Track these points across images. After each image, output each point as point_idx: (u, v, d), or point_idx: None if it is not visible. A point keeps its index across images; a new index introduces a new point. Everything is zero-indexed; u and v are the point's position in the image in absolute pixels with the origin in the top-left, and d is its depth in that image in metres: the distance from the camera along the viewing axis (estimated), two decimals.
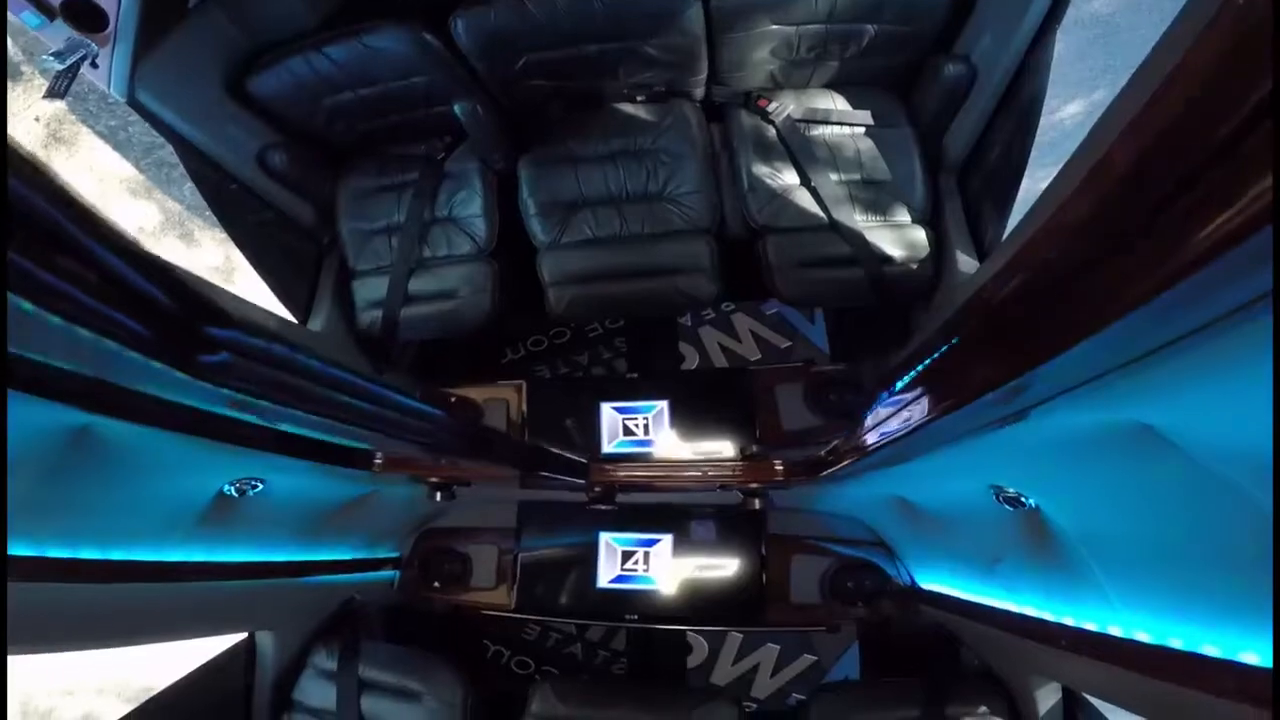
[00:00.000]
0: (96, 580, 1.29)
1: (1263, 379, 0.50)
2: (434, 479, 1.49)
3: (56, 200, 0.42)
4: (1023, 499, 1.15)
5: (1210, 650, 0.84)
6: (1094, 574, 1.08)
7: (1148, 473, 0.80)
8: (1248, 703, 0.77)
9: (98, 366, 0.69)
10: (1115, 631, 1.06)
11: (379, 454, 1.41)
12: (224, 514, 1.47)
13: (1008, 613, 1.44)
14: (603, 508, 1.82)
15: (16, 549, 1.14)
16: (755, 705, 2.44)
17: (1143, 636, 0.98)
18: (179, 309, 0.57)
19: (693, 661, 2.37)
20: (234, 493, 1.44)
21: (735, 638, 2.37)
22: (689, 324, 2.39)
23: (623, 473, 1.78)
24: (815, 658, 2.33)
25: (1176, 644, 0.90)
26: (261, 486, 1.46)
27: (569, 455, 1.78)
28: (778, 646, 2.37)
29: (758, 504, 1.80)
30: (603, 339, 2.42)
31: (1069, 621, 1.21)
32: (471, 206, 1.99)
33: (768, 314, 2.41)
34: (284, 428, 0.93)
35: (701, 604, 2.11)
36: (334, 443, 1.31)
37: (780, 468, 1.64)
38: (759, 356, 2.37)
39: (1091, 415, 0.79)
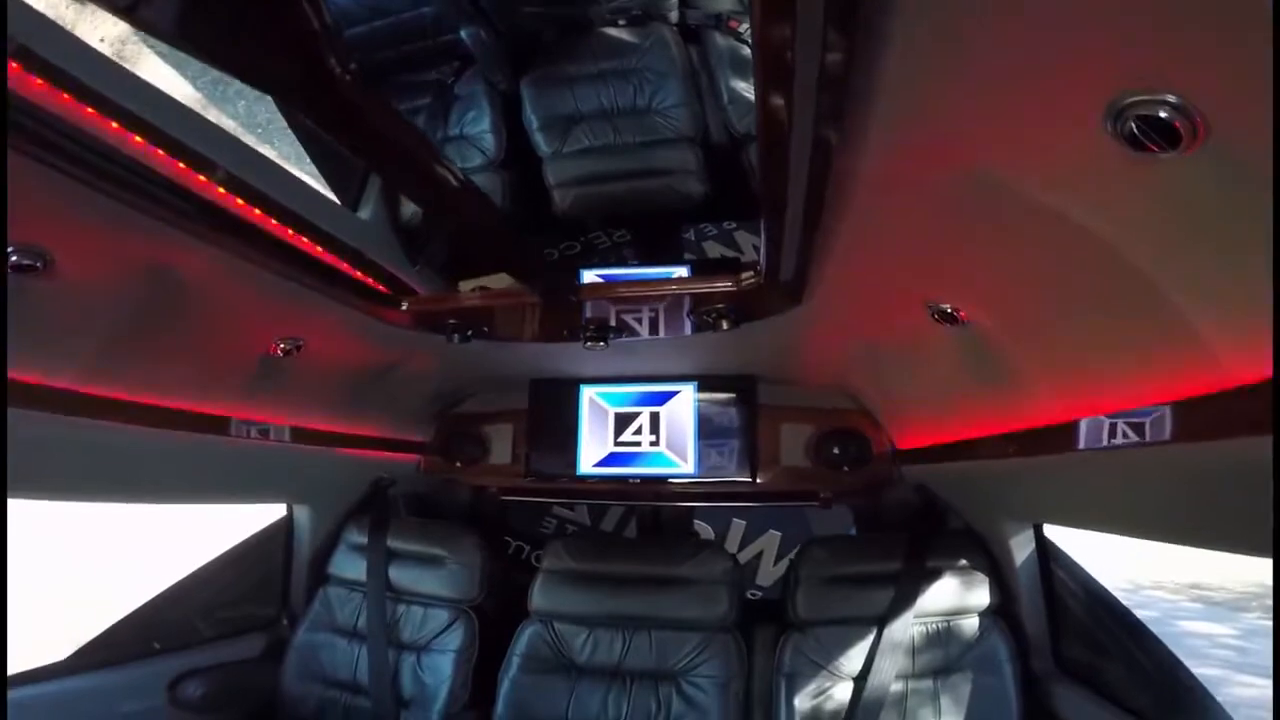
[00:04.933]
0: (155, 425, 1.46)
1: None
2: (453, 320, 1.68)
3: None
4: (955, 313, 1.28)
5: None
6: (1029, 374, 1.25)
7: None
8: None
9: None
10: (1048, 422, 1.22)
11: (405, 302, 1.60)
12: (268, 373, 1.65)
13: (969, 441, 1.64)
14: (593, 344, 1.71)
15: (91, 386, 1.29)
16: (760, 593, 2.64)
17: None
18: None
19: None
20: (279, 352, 1.63)
21: (739, 524, 2.58)
22: (692, 238, 2.62)
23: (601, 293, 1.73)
24: None
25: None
26: (302, 348, 1.65)
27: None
28: (779, 533, 2.58)
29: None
30: (611, 250, 2.64)
31: (1016, 428, 1.37)
32: (480, 124, 2.22)
33: None
34: None
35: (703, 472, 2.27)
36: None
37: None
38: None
39: None
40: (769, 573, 2.64)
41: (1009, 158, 0.86)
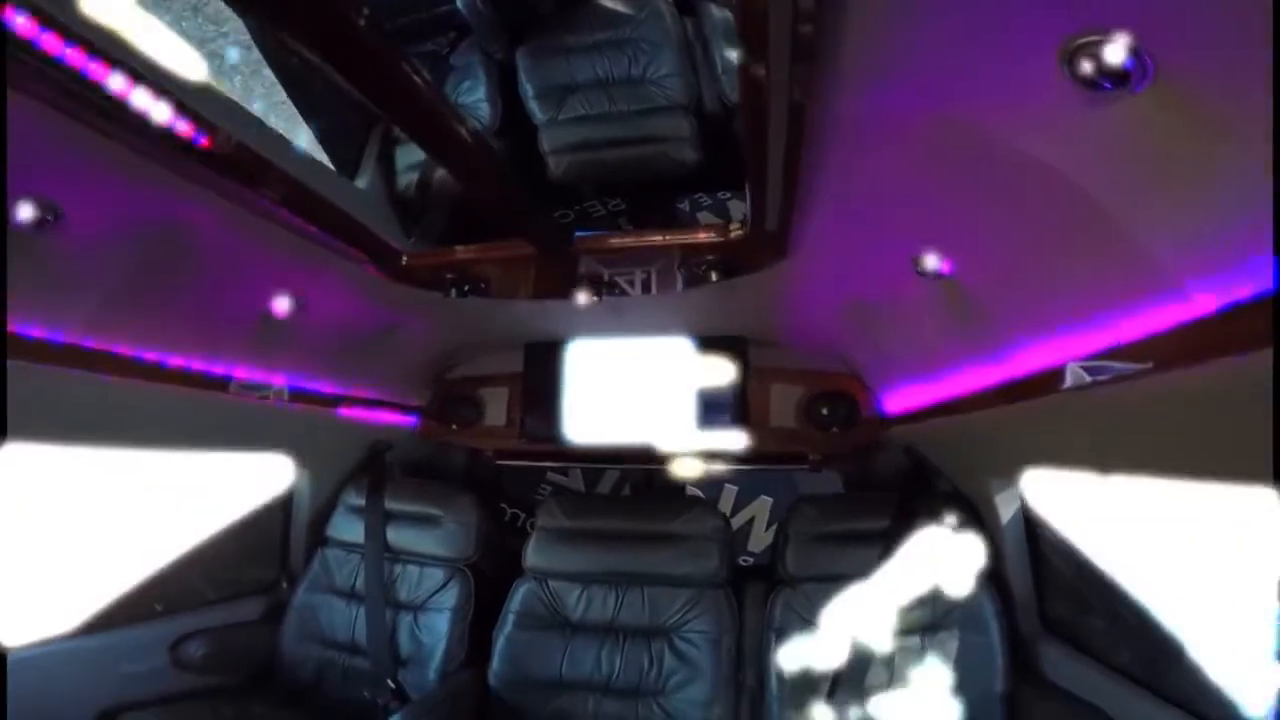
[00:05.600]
0: (160, 381, 1.49)
1: None
2: (451, 275, 1.70)
3: None
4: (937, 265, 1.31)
5: None
6: (1009, 323, 1.29)
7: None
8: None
9: None
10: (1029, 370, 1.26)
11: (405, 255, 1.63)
12: (269, 332, 1.68)
13: (954, 399, 1.68)
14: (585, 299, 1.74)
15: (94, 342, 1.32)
16: (751, 559, 2.68)
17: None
18: None
19: None
20: (280, 311, 1.66)
21: (731, 489, 2.62)
22: (686, 208, 2.65)
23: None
24: None
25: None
26: (303, 306, 1.68)
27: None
28: (770, 499, 2.62)
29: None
30: (606, 219, 2.66)
31: (1000, 380, 1.40)
32: (476, 93, 2.24)
33: None
34: None
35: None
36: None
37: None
38: None
39: None
40: (760, 539, 2.67)
41: (975, 104, 0.90)
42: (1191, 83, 0.67)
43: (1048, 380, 1.21)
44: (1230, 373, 0.80)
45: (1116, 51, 0.67)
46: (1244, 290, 0.77)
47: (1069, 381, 1.16)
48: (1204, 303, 0.86)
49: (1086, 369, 1.12)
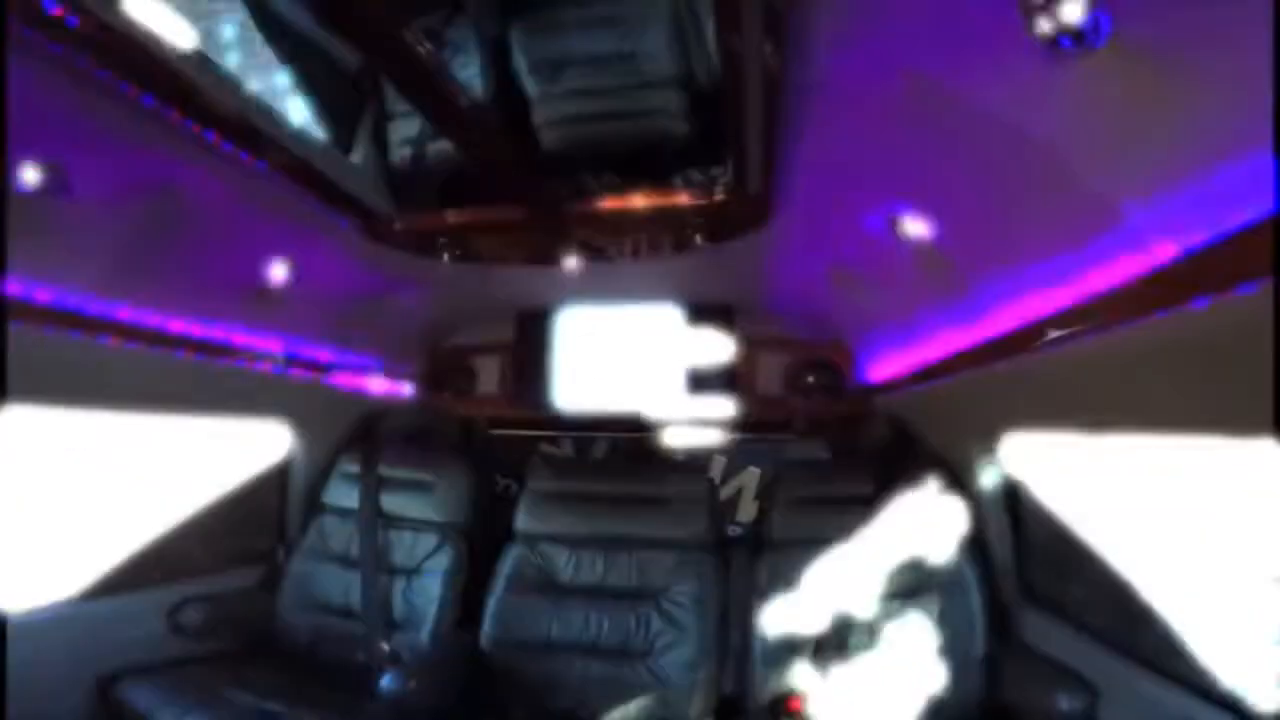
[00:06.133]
0: (161, 345, 1.52)
1: None
2: (443, 239, 1.74)
3: None
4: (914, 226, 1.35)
5: None
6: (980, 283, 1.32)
7: None
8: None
9: None
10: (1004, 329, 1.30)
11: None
12: (266, 299, 1.72)
13: (935, 363, 1.71)
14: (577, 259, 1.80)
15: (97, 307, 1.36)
16: (740, 528, 2.72)
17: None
18: None
19: None
20: (277, 277, 1.69)
21: (720, 460, 2.65)
22: (679, 184, 2.67)
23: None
24: None
25: None
26: (299, 273, 1.71)
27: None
28: (759, 470, 2.65)
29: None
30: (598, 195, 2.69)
31: (977, 341, 1.45)
32: (470, 69, 2.26)
33: None
34: None
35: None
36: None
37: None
38: None
39: None
40: (749, 509, 2.71)
41: (941, 64, 0.94)
42: (1147, 40, 0.70)
43: (1022, 339, 1.25)
44: (1196, 321, 0.83)
45: (1074, 9, 0.71)
46: (1200, 237, 0.80)
47: (1042, 339, 1.20)
48: (1164, 252, 0.89)
49: (1056, 325, 1.15)
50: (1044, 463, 1.75)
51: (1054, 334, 1.16)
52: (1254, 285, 0.71)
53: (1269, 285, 0.69)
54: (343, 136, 2.25)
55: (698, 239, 1.61)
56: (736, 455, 2.66)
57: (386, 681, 1.68)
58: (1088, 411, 1.31)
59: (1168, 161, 0.80)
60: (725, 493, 2.68)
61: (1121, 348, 1.05)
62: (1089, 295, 1.05)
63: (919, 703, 1.77)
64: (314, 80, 2.19)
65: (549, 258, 1.81)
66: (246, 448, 2.27)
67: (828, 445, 2.59)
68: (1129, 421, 1.19)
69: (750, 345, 2.33)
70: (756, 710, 1.81)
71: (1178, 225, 0.84)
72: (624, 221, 1.66)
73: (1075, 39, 0.74)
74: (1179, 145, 0.77)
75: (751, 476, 2.65)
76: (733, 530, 2.67)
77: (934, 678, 1.79)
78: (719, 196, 1.47)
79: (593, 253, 1.76)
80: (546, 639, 1.93)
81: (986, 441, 1.84)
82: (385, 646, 1.99)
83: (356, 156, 2.22)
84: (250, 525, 2.28)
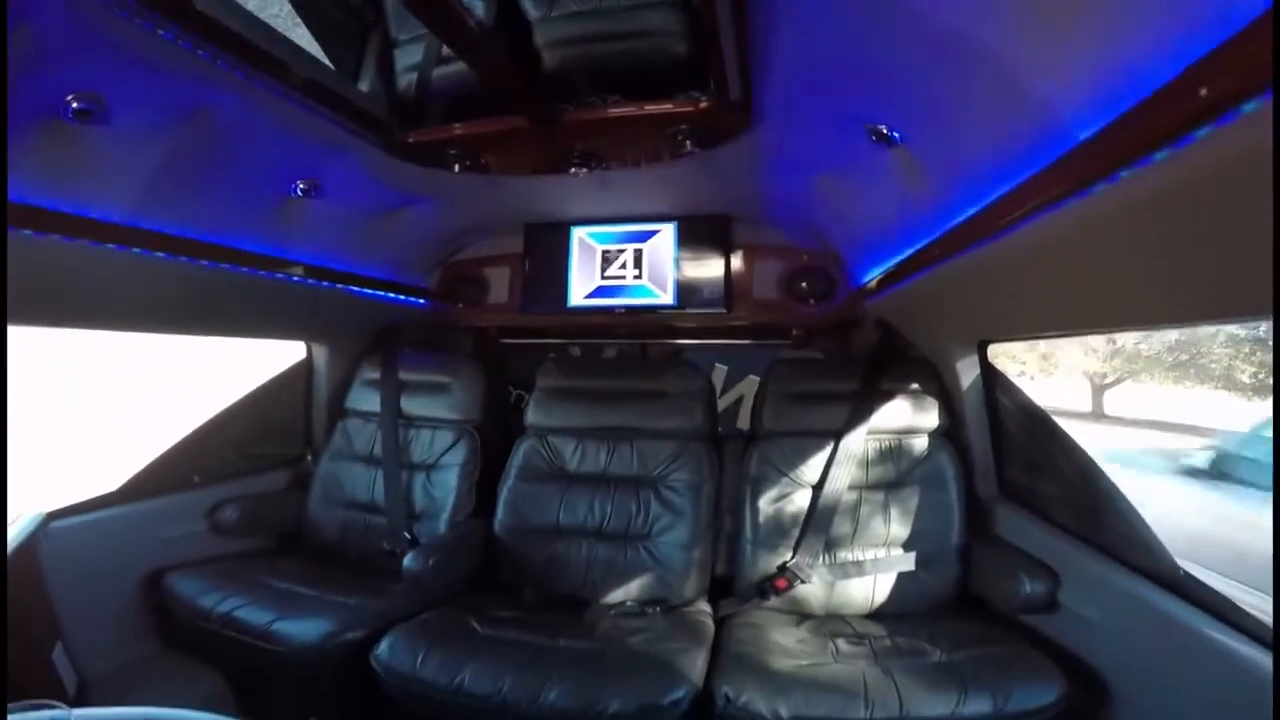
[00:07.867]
0: (189, 255, 1.63)
1: None
2: (453, 150, 1.84)
3: None
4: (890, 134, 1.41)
5: None
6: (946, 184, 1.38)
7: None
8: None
9: None
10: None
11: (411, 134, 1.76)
12: (291, 213, 1.83)
13: (906, 261, 1.77)
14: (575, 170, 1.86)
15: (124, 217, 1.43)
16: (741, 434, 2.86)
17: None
18: None
19: None
20: (299, 193, 1.80)
21: (721, 369, 2.78)
22: None
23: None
24: None
25: None
26: (319, 189, 1.82)
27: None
28: (757, 378, 2.78)
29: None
30: None
31: (949, 245, 1.48)
32: None
33: None
34: None
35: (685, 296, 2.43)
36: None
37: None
38: None
39: None
40: (749, 416, 2.85)
41: None
42: None
43: (983, 223, 1.32)
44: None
45: None
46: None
47: (1003, 220, 1.28)
48: (1077, 132, 0.97)
49: (1015, 220, 1.22)
50: (1016, 357, 1.84)
51: (1010, 215, 1.23)
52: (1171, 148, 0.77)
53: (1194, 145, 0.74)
54: (348, 65, 2.35)
55: (688, 145, 1.70)
56: (737, 364, 2.79)
57: (409, 561, 1.82)
58: (1060, 313, 1.40)
59: (1084, 53, 0.88)
60: (727, 400, 2.81)
61: (1080, 235, 1.11)
62: (1032, 177, 1.12)
63: (899, 585, 1.90)
64: (319, 13, 2.27)
65: (554, 168, 1.90)
66: (274, 362, 2.44)
67: (824, 351, 2.72)
68: (1097, 322, 1.28)
69: (746, 252, 2.43)
70: (746, 589, 1.95)
71: (1097, 112, 0.92)
72: (620, 129, 1.75)
73: None
74: (1099, 42, 0.85)
75: (751, 385, 2.77)
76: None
77: (911, 561, 1.92)
78: (703, 104, 1.56)
79: (595, 162, 1.86)
80: (554, 523, 2.08)
81: (967, 345, 1.95)
82: (408, 535, 2.16)
83: (364, 85, 2.32)
84: (279, 432, 2.45)
